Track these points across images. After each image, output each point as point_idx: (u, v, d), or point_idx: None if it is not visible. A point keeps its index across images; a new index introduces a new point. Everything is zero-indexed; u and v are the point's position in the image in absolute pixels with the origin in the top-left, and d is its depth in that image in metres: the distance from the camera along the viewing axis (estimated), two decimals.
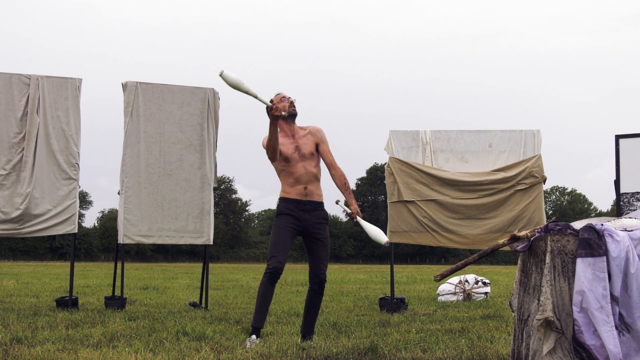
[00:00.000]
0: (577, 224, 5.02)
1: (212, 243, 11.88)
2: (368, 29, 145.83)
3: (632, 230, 4.98)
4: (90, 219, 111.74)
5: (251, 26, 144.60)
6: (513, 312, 5.26)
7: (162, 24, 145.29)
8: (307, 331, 7.54)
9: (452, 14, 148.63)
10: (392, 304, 11.53)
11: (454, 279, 14.48)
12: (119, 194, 11.48)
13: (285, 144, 7.44)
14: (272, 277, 7.11)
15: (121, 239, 11.41)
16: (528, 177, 11.65)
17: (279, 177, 7.52)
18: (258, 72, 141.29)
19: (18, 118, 11.12)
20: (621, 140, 10.20)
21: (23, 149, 11.00)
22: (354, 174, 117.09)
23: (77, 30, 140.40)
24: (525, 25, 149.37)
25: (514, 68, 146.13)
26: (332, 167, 7.61)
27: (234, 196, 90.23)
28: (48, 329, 8.37)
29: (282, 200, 7.42)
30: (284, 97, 7.62)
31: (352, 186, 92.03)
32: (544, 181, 11.74)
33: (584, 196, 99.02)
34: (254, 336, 7.18)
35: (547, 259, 4.85)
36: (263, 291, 7.15)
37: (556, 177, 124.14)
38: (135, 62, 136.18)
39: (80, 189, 11.64)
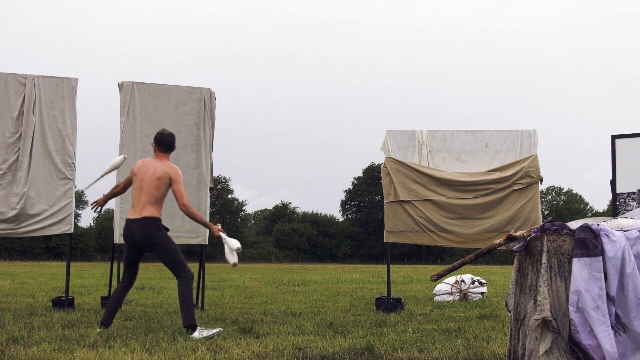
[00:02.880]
0: (574, 224, 5.02)
1: (207, 243, 11.88)
2: (366, 29, 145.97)
3: (628, 230, 4.98)
4: (87, 219, 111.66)
5: (249, 26, 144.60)
6: (509, 312, 5.26)
7: (159, 23, 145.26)
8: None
9: (450, 13, 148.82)
10: (389, 303, 11.53)
11: (451, 279, 14.48)
12: None
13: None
14: (192, 280, 8.37)
15: (117, 239, 11.41)
16: (524, 177, 11.65)
17: (161, 201, 8.57)
18: (256, 72, 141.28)
19: (14, 118, 11.11)
20: (617, 141, 10.19)
21: (19, 148, 10.99)
22: (351, 174, 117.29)
23: (74, 30, 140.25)
24: (524, 24, 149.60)
25: (512, 67, 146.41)
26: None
27: (230, 196, 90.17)
28: (44, 329, 8.36)
29: (160, 221, 8.54)
30: None
31: (349, 185, 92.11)
32: (540, 181, 11.74)
33: (580, 196, 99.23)
34: (198, 329, 8.07)
35: (544, 259, 4.86)
36: (190, 293, 8.31)
37: (552, 177, 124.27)
38: (132, 61, 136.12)
39: (76, 189, 11.63)
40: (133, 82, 11.67)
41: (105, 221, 75.02)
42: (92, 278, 24.05)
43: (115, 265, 11.73)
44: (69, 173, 11.27)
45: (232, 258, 8.15)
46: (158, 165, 8.54)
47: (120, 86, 11.65)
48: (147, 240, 8.37)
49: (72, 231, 11.35)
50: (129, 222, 8.46)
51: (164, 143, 8.66)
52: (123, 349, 6.80)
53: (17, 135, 11.04)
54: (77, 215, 78.86)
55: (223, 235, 8.31)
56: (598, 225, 4.89)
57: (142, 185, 8.46)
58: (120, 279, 8.80)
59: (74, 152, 11.40)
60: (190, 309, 8.15)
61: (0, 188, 10.94)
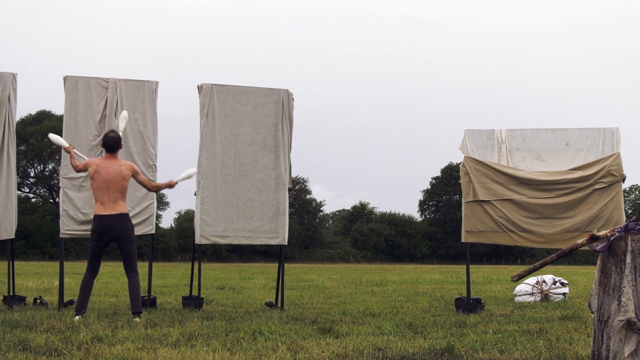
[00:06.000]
0: None
1: (286, 244, 11.93)
2: (444, 27, 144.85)
3: None
4: (167, 220, 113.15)
5: (325, 25, 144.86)
6: (592, 313, 5.18)
7: (235, 23, 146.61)
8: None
9: (527, 10, 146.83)
10: (469, 304, 11.44)
11: (531, 280, 14.30)
12: (195, 195, 11.62)
13: None
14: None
15: (198, 240, 11.55)
16: (606, 175, 11.44)
17: (125, 197, 9.98)
18: (333, 71, 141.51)
19: (97, 121, 11.36)
20: None
21: (102, 151, 11.20)
22: (429, 174, 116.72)
23: (153, 33, 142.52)
24: (603, 21, 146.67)
25: (591, 64, 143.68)
26: None
27: (308, 197, 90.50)
28: (127, 328, 8.52)
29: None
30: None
31: (427, 185, 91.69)
32: (623, 180, 11.51)
33: None
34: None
35: (628, 259, 4.77)
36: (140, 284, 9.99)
37: (636, 175, 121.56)
38: (211, 63, 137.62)
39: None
40: (212, 85, 11.79)
41: (185, 222, 75.97)
42: (173, 278, 24.40)
43: (196, 265, 11.88)
44: (151, 175, 11.46)
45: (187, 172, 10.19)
46: (117, 165, 9.69)
47: (200, 88, 11.79)
48: (123, 234, 9.60)
49: (154, 232, 11.56)
50: (105, 217, 9.52)
51: (108, 144, 9.76)
52: (204, 348, 6.88)
53: (100, 138, 11.25)
54: (158, 216, 79.98)
55: (178, 180, 10.08)
56: None
57: (108, 185, 9.53)
58: (86, 271, 10.09)
59: (155, 154, 11.60)
60: (140, 297, 9.80)
61: (83, 190, 11.20)
